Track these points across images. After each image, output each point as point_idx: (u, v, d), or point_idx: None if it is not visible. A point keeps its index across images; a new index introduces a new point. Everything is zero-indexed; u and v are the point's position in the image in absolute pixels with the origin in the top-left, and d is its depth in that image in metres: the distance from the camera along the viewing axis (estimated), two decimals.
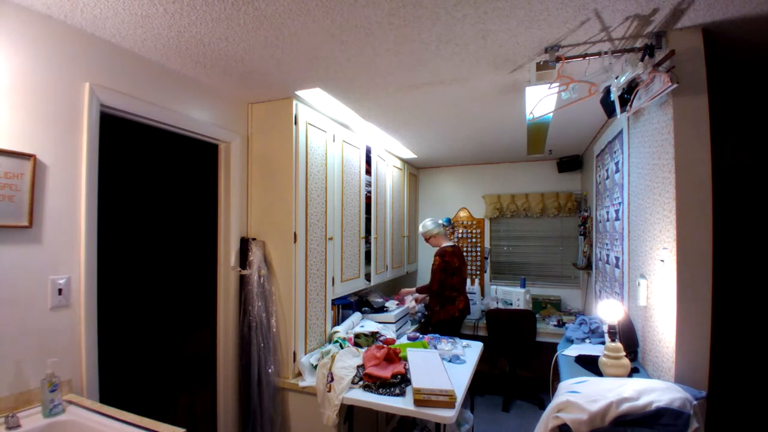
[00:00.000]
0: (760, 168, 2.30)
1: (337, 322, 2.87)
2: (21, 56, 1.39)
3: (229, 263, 2.32)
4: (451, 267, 3.20)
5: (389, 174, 3.76)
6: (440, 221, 3.52)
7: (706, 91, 1.52)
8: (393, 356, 2.26)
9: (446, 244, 3.36)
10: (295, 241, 2.32)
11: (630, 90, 1.68)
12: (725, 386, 1.90)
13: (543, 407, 1.51)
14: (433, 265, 3.27)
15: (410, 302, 3.55)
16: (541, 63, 1.75)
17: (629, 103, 1.72)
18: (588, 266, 3.51)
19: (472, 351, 2.67)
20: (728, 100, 2.16)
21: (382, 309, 3.31)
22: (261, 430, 2.25)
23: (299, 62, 1.87)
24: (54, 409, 1.35)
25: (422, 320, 3.62)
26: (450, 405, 1.83)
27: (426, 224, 3.47)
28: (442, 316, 3.20)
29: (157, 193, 2.83)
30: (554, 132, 3.06)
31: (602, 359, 1.76)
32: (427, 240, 3.47)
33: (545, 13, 1.46)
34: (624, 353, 1.73)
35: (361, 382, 2.10)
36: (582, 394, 1.42)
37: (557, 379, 1.94)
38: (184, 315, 2.67)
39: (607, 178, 2.79)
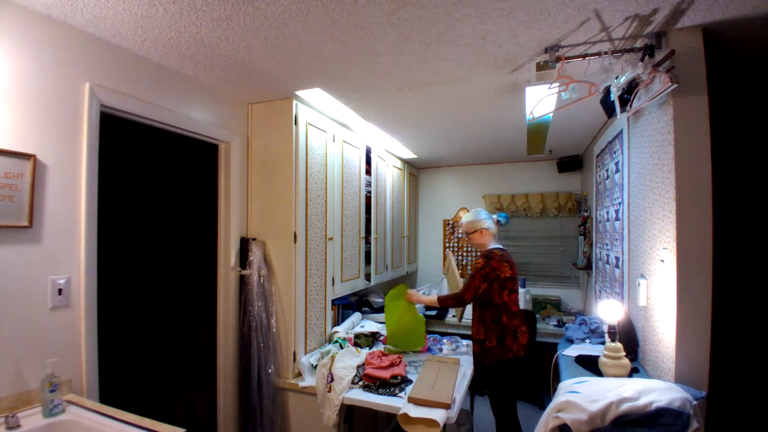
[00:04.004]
0: (761, 168, 2.30)
1: (337, 322, 2.87)
2: (21, 56, 1.39)
3: (229, 263, 2.32)
4: (498, 276, 2.31)
5: (389, 174, 3.76)
6: (494, 216, 2.61)
7: (706, 91, 1.52)
8: (395, 362, 2.26)
9: (495, 246, 2.49)
10: (295, 241, 2.32)
11: (630, 90, 1.68)
12: (725, 386, 1.90)
13: (543, 407, 1.50)
14: (472, 268, 2.44)
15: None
16: (541, 63, 1.76)
17: (629, 103, 1.72)
18: (588, 266, 3.51)
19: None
20: (728, 100, 2.16)
21: (382, 309, 3.31)
22: (261, 430, 2.25)
23: (299, 62, 1.87)
24: (54, 409, 1.35)
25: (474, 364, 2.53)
26: (445, 406, 1.84)
27: (476, 213, 2.56)
28: (496, 355, 2.28)
29: (158, 193, 2.83)
30: (554, 132, 3.06)
31: (602, 359, 1.76)
32: (469, 236, 2.58)
33: (545, 13, 1.46)
34: (624, 353, 1.73)
35: (360, 382, 2.11)
36: (582, 394, 1.42)
37: (557, 379, 1.94)
38: (185, 315, 2.67)
39: (607, 178, 2.79)
